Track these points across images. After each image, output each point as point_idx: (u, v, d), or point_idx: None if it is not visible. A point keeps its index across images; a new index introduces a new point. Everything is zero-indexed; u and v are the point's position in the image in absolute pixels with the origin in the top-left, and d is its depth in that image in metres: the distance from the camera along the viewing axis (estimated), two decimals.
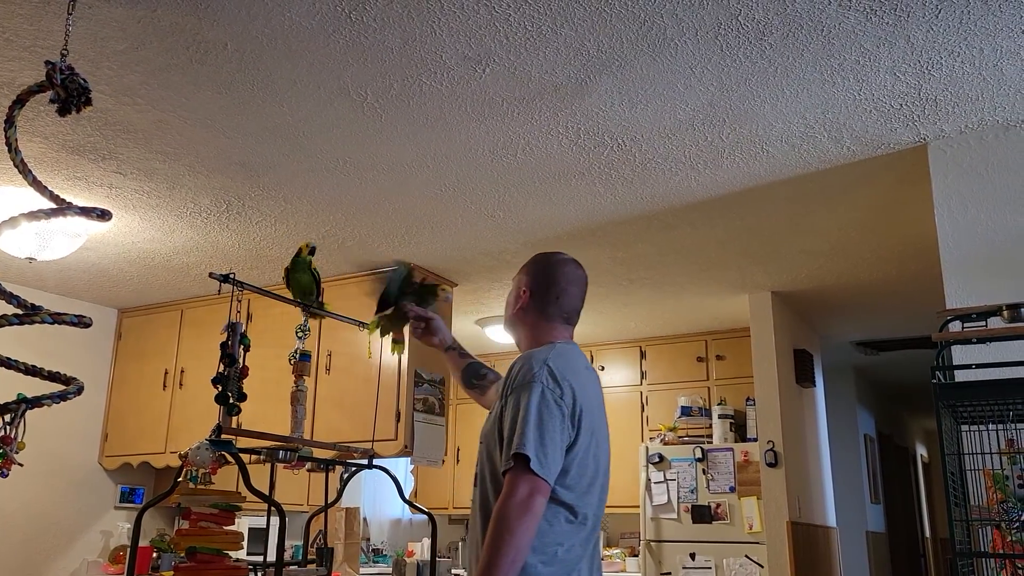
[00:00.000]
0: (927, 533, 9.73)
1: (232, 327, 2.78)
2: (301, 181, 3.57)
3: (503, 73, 2.73)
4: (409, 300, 2.53)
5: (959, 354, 2.73)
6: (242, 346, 2.82)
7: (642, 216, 3.91)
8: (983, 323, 2.62)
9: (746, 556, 4.95)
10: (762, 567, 4.85)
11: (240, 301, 2.95)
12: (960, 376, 2.57)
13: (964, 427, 2.50)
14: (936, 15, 2.41)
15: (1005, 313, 2.54)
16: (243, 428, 2.93)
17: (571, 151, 3.27)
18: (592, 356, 6.28)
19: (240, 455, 2.69)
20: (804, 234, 4.13)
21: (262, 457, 2.86)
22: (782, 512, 4.74)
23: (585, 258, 4.47)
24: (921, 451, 10.43)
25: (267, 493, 2.84)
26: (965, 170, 3.09)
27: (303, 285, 3.11)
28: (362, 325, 3.51)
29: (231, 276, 2.83)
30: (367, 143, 3.22)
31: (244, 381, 2.82)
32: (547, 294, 2.06)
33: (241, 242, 4.28)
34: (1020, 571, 2.35)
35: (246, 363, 2.86)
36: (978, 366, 2.45)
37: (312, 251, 3.03)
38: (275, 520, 2.75)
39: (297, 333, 3.16)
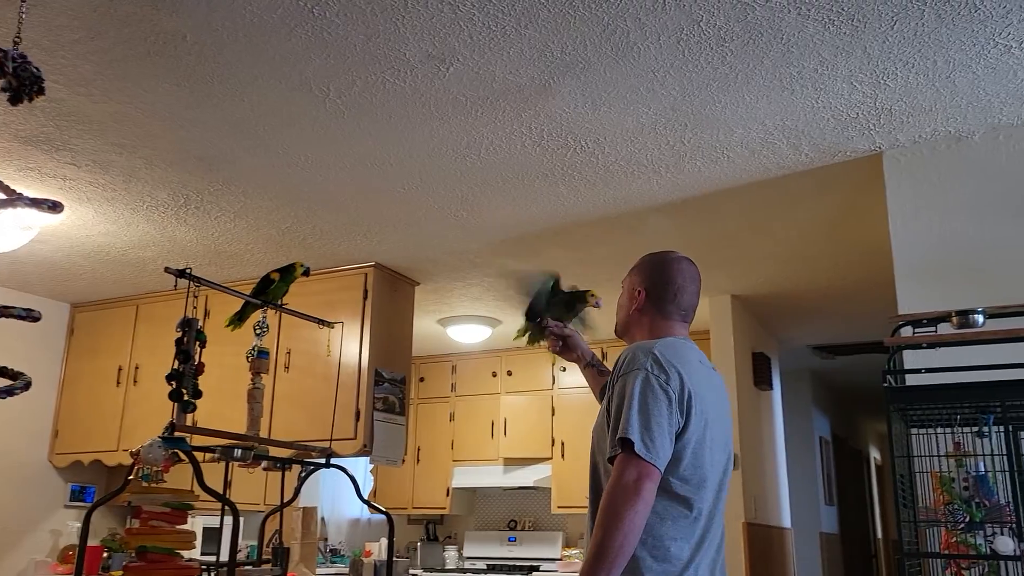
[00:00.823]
0: (879, 534, 9.91)
1: (188, 323, 2.74)
2: (261, 176, 3.54)
3: (467, 72, 2.73)
4: (558, 309, 2.49)
5: (910, 359, 2.79)
6: (198, 342, 2.79)
7: (604, 218, 3.93)
8: (933, 329, 2.68)
9: None
10: None
11: (197, 297, 2.92)
12: (911, 380, 2.62)
13: (914, 430, 2.55)
14: (891, 26, 2.46)
15: (954, 319, 2.60)
16: (198, 426, 2.89)
17: (534, 152, 3.28)
18: (554, 358, 6.27)
19: (194, 453, 2.65)
20: (763, 239, 4.19)
21: (216, 455, 2.82)
22: (738, 513, 4.79)
23: (548, 259, 4.51)
24: (874, 454, 10.63)
25: (221, 492, 2.81)
26: (918, 179, 3.15)
27: (278, 296, 3.14)
28: (322, 323, 3.50)
29: (188, 271, 2.80)
30: (329, 139, 3.20)
31: (200, 378, 2.79)
32: (665, 292, 2.00)
33: (199, 237, 4.22)
34: (964, 571, 2.40)
35: (202, 360, 2.82)
36: (928, 370, 2.51)
37: (306, 272, 3.10)
38: (229, 519, 2.71)
39: (255, 330, 3.13)
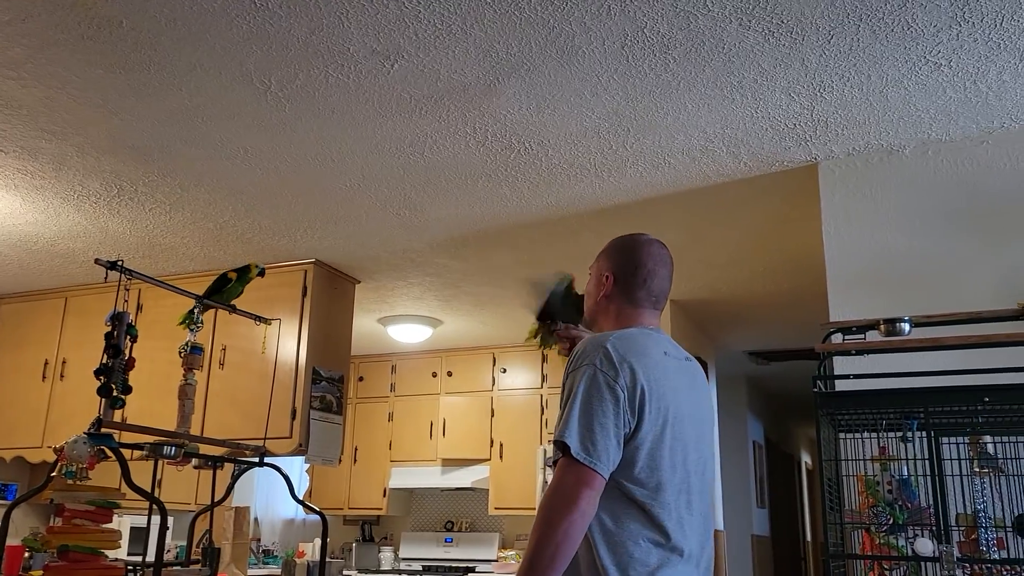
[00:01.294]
0: (808, 537, 10.16)
1: (118, 317, 2.67)
2: (198, 168, 3.46)
3: (411, 70, 2.71)
4: (570, 311, 2.42)
5: (840, 365, 2.86)
6: (128, 337, 2.72)
7: (547, 220, 3.95)
8: (862, 336, 2.75)
9: None
10: None
11: (128, 290, 2.84)
12: (840, 386, 2.69)
13: (842, 435, 2.62)
14: (828, 40, 2.52)
15: (882, 327, 2.68)
16: (127, 422, 2.81)
17: (478, 152, 3.27)
18: (494, 359, 6.30)
19: (121, 450, 2.58)
20: (702, 245, 4.25)
21: (145, 453, 2.75)
22: None
23: (490, 261, 4.51)
24: (805, 458, 10.89)
25: (151, 491, 2.74)
26: (851, 190, 3.24)
27: (233, 297, 3.11)
28: (259, 319, 3.44)
29: (119, 263, 2.72)
30: (269, 133, 3.15)
31: (130, 373, 2.72)
32: (634, 277, 1.85)
33: (132, 229, 4.11)
34: (887, 571, 2.47)
35: (133, 355, 2.75)
36: (856, 376, 2.58)
37: (261, 273, 3.07)
38: (158, 519, 2.64)
39: (189, 325, 3.06)
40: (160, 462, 3.23)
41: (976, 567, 2.38)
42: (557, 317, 2.25)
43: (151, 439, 2.75)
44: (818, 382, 2.58)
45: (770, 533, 7.91)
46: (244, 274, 3.11)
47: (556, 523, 1.55)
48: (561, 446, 1.60)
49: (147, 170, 3.48)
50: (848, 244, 3.19)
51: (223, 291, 3.11)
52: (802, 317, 5.38)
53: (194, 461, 3.06)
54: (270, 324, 3.64)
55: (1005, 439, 2.56)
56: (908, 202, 3.14)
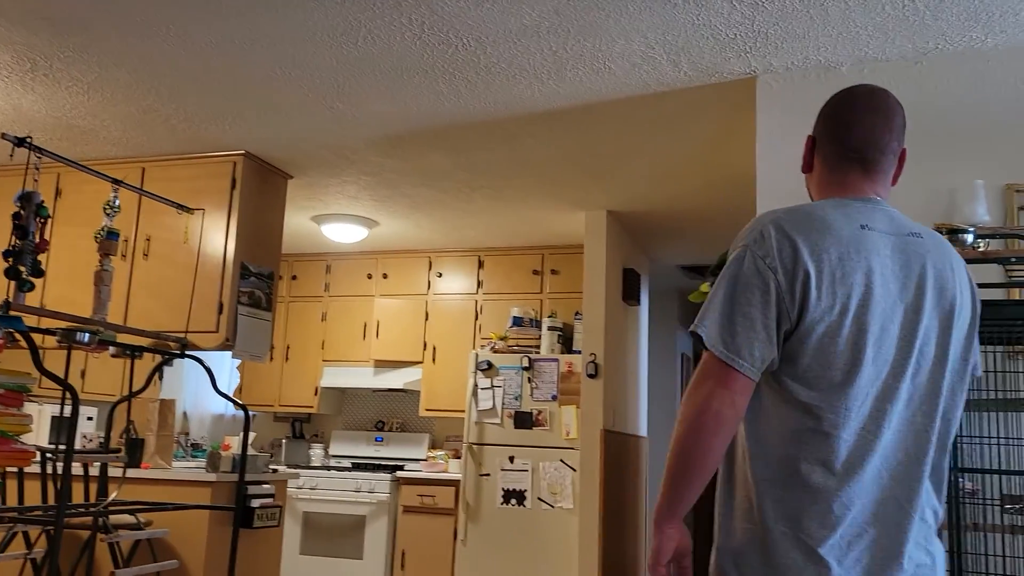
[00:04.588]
0: None
1: (26, 196, 2.56)
2: (118, 45, 3.28)
3: None
4: None
5: None
6: (39, 218, 2.62)
7: (485, 122, 3.87)
8: None
9: (561, 460, 5.20)
10: (575, 470, 5.12)
11: (39, 170, 2.72)
12: None
13: None
14: None
15: None
16: (45, 308, 2.74)
17: (415, 45, 3.17)
18: (431, 263, 6.28)
19: (32, 334, 2.52)
20: (640, 156, 4.24)
21: (58, 338, 2.69)
22: (597, 421, 4.99)
23: (427, 161, 4.43)
24: None
25: (72, 381, 2.69)
26: (786, 107, 3.24)
27: None
28: (181, 208, 3.35)
29: (27, 140, 2.60)
30: (195, 10, 2.99)
31: (47, 259, 2.64)
32: (832, 134, 1.52)
33: (48, 108, 3.91)
34: None
35: (46, 237, 2.66)
36: None
37: None
38: (93, 410, 2.61)
39: (105, 209, 2.96)
40: (84, 353, 3.16)
41: None
42: None
43: (64, 324, 2.69)
44: None
45: None
46: None
47: (686, 426, 1.33)
48: (697, 337, 1.38)
49: (63, 44, 3.29)
50: (780, 161, 3.21)
51: None
52: (733, 234, 5.44)
53: (112, 349, 3.01)
54: (192, 213, 3.54)
55: None
56: None
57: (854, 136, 1.49)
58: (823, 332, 1.35)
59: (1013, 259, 2.42)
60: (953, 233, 2.42)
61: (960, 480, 2.35)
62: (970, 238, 2.41)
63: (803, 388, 1.35)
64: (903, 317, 1.38)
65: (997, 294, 2.76)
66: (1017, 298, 2.73)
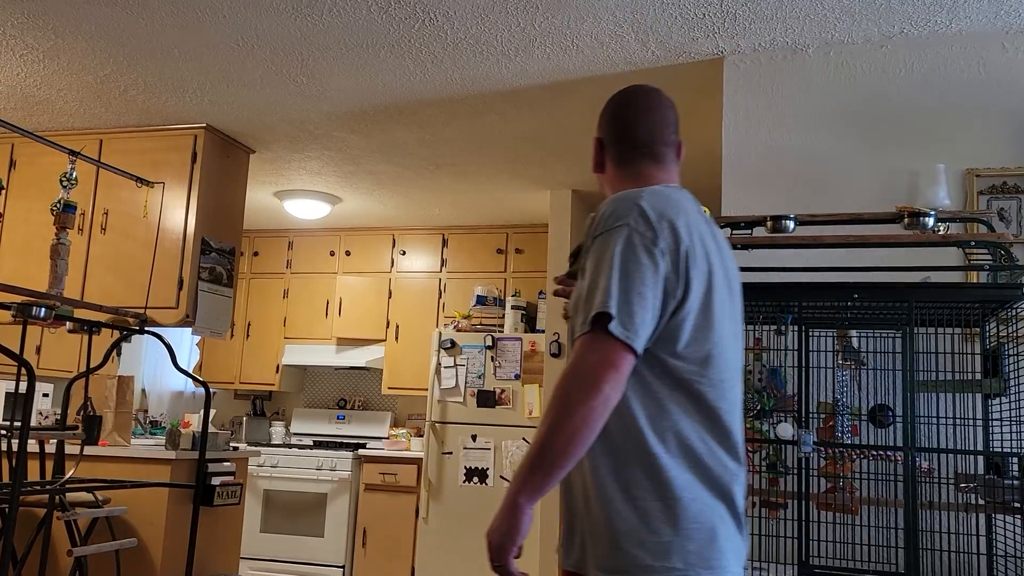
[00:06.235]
0: None
1: None
2: (74, 13, 3.18)
3: None
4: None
5: None
6: None
7: (451, 99, 3.84)
8: (749, 231, 2.82)
9: (524, 439, 5.22)
10: None
11: None
12: None
13: None
14: None
15: (769, 224, 2.75)
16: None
17: (380, 19, 3.12)
18: (394, 240, 6.24)
19: None
20: None
21: (12, 313, 2.62)
22: None
23: (391, 137, 4.38)
24: None
25: (28, 358, 2.62)
26: (753, 87, 3.26)
27: None
28: (140, 181, 3.28)
29: None
30: None
31: (0, 231, 2.56)
32: (621, 133, 1.61)
33: (2, 77, 3.78)
34: (750, 452, 2.62)
35: None
36: (741, 270, 2.65)
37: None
38: (50, 387, 2.55)
39: (61, 181, 2.89)
40: (40, 329, 3.10)
41: (828, 450, 2.55)
42: (573, 267, 1.69)
43: (18, 299, 2.62)
44: None
45: None
46: None
47: (574, 408, 1.30)
48: (600, 317, 1.34)
49: (14, 10, 3.18)
50: (745, 141, 3.23)
51: None
52: None
53: (68, 325, 2.94)
54: (152, 187, 3.47)
55: (869, 334, 2.71)
56: (806, 102, 3.19)
57: (640, 133, 1.59)
58: (699, 308, 1.41)
59: (972, 243, 2.47)
60: (914, 216, 2.45)
61: (916, 459, 2.40)
62: (931, 222, 2.45)
63: (682, 363, 1.40)
64: (728, 289, 1.49)
65: (956, 277, 2.81)
66: (975, 281, 2.79)
